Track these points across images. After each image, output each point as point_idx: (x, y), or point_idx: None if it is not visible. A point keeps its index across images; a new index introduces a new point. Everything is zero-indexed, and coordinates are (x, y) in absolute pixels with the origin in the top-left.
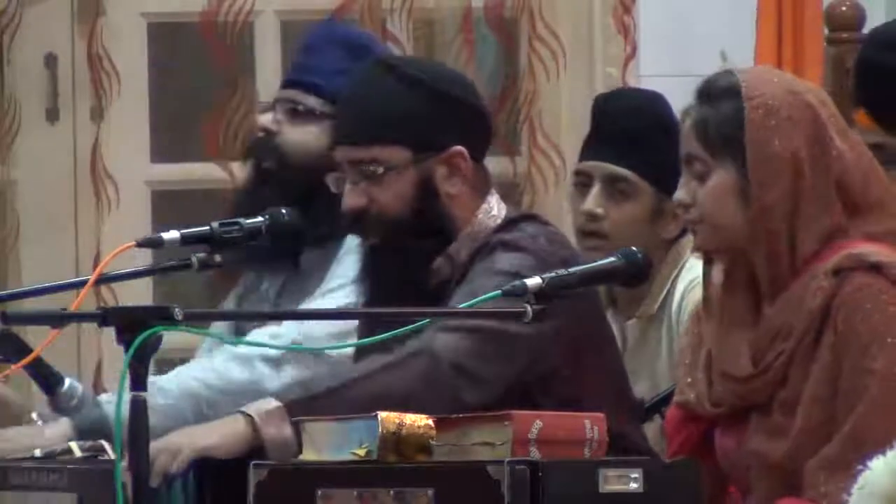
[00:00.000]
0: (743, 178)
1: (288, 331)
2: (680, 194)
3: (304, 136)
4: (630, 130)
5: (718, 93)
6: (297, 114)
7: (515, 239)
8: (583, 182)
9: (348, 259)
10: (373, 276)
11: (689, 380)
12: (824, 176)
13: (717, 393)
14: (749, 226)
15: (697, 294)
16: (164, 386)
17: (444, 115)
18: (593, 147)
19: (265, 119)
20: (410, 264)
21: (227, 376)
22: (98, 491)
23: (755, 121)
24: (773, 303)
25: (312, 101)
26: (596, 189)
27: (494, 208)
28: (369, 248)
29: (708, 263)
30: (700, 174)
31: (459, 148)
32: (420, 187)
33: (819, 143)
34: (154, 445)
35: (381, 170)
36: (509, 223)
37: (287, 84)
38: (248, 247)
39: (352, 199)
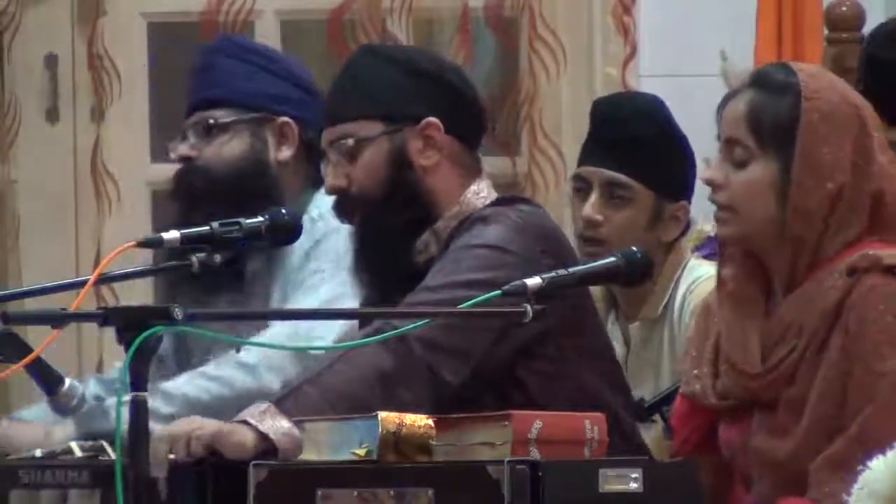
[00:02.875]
0: (784, 175)
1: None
2: (713, 174)
3: (223, 147)
4: (629, 136)
5: (777, 85)
6: (210, 130)
7: (497, 213)
8: (581, 188)
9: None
10: (359, 256)
11: (696, 372)
12: (863, 188)
13: (722, 385)
14: (777, 224)
15: (700, 293)
16: (170, 392)
17: (416, 88)
18: (592, 152)
19: (182, 149)
20: (391, 239)
21: (232, 384)
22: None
23: (810, 123)
24: (785, 298)
25: (219, 114)
26: (595, 195)
27: (484, 191)
28: (354, 228)
29: (724, 248)
30: (740, 160)
31: (432, 119)
32: (393, 159)
33: (863, 156)
34: (160, 438)
35: (351, 142)
36: (499, 202)
37: (190, 111)
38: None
39: (332, 179)
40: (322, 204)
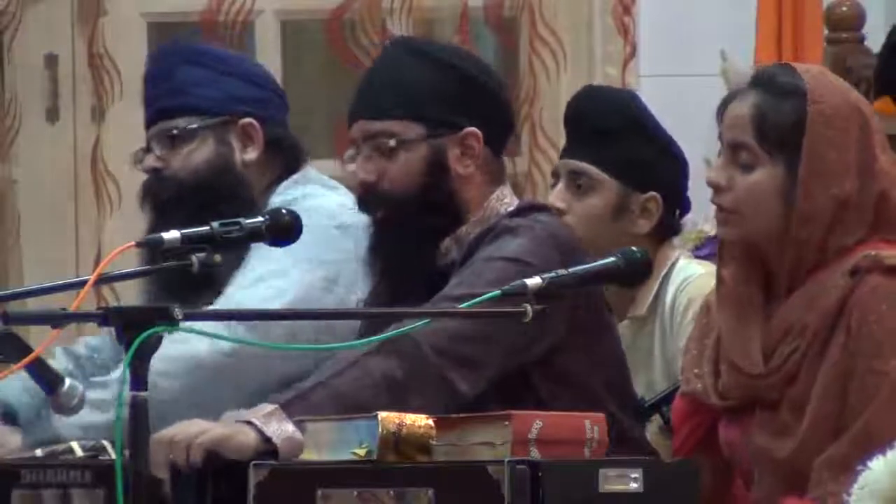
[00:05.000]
0: (790, 179)
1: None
2: (716, 176)
3: (190, 156)
4: (596, 127)
5: (782, 88)
6: (175, 140)
7: (523, 225)
8: (555, 183)
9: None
10: (378, 251)
11: (697, 370)
12: (867, 190)
13: (724, 384)
14: (781, 226)
15: (691, 292)
16: (103, 381)
17: (463, 95)
18: (565, 146)
19: (148, 161)
20: (416, 241)
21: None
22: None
23: (817, 128)
24: (786, 299)
25: (182, 122)
26: (560, 184)
27: (507, 196)
28: (376, 222)
29: (723, 248)
30: (746, 163)
31: (474, 129)
32: (431, 164)
33: (867, 158)
34: (161, 436)
35: (392, 143)
36: (521, 210)
37: (151, 122)
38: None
39: (363, 172)
40: (287, 195)
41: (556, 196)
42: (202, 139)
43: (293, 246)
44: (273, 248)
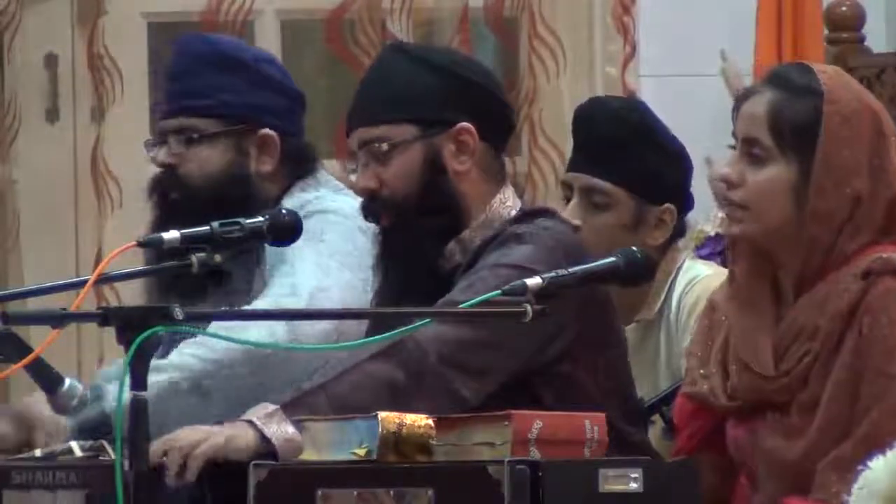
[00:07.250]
0: (803, 178)
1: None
2: (727, 171)
3: (205, 162)
4: (606, 139)
5: (798, 87)
6: (193, 141)
7: (529, 232)
8: (566, 195)
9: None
10: (385, 258)
11: (702, 371)
12: (880, 192)
13: (733, 385)
14: (792, 226)
15: (696, 293)
16: (158, 364)
17: (451, 92)
18: (573, 158)
19: (161, 155)
20: (421, 244)
21: (217, 346)
22: (107, 488)
23: (832, 127)
24: (795, 302)
25: (203, 124)
26: (574, 201)
27: (510, 199)
28: (382, 230)
29: (735, 247)
30: (758, 159)
31: (467, 124)
32: (427, 163)
33: (881, 159)
34: (161, 442)
35: (385, 146)
36: (525, 215)
37: (172, 113)
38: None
39: (362, 181)
40: (299, 198)
41: (571, 213)
42: (221, 145)
43: (328, 245)
44: (307, 247)
